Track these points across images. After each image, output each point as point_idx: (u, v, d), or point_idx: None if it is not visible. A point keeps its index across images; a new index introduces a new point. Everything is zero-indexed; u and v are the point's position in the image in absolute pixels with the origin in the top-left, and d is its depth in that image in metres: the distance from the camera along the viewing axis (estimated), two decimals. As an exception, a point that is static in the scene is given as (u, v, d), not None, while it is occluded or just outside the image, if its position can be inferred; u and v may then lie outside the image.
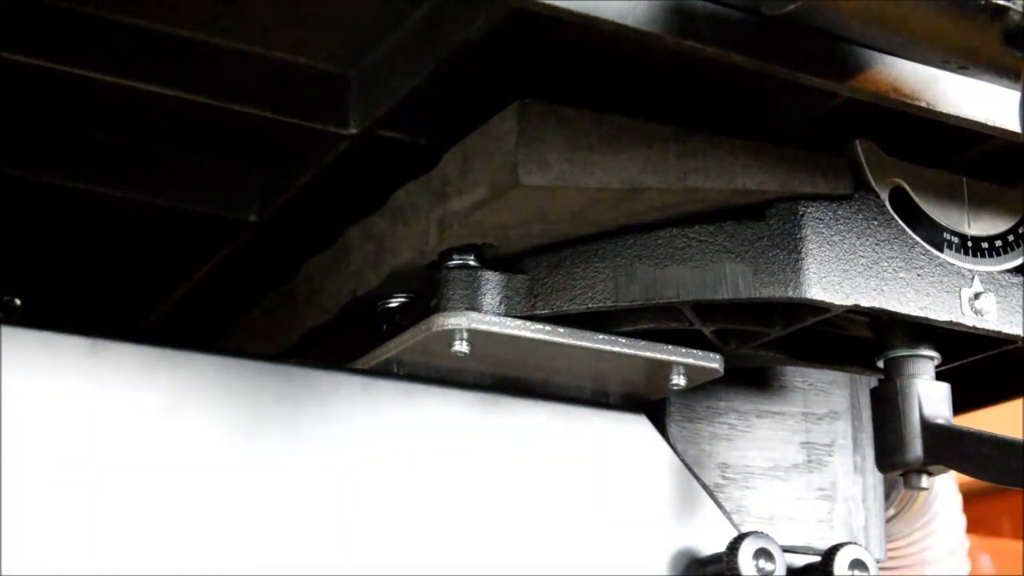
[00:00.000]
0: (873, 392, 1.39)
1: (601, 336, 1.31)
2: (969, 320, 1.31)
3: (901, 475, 1.36)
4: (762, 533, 1.36)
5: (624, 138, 1.19)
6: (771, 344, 1.38)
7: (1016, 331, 1.33)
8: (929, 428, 1.33)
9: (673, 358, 1.34)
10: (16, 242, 1.50)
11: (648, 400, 1.42)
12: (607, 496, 1.37)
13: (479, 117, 1.21)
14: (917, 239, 1.30)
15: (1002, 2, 1.08)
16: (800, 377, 1.49)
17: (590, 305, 1.27)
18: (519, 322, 1.27)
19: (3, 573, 1.12)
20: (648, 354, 1.33)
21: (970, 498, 1.89)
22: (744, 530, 1.39)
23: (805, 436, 1.48)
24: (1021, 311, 1.33)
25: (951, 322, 1.30)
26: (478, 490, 1.32)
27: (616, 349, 1.31)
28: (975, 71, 1.18)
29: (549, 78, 1.21)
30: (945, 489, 1.79)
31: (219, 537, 1.20)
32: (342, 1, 1.19)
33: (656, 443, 1.41)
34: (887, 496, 1.65)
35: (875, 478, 1.51)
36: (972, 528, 1.87)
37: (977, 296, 1.31)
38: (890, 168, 1.31)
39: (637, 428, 1.40)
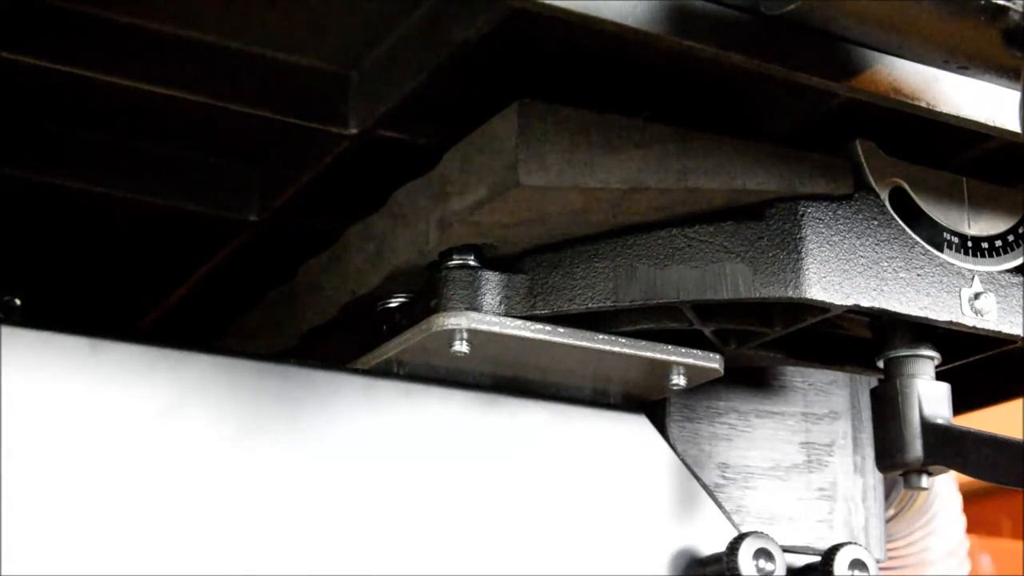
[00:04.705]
0: (873, 392, 1.39)
1: (601, 336, 1.31)
2: (969, 320, 1.31)
3: (901, 475, 1.36)
4: (762, 533, 1.36)
5: (624, 138, 1.19)
6: (771, 344, 1.38)
7: (1016, 331, 1.33)
8: (929, 428, 1.33)
9: (673, 358, 1.34)
10: (16, 242, 1.50)
11: (648, 400, 1.42)
12: (607, 496, 1.37)
13: (479, 117, 1.21)
14: (917, 239, 1.30)
15: (1002, 2, 1.08)
16: (800, 377, 1.49)
17: (590, 305, 1.27)
18: (519, 322, 1.27)
19: (3, 573, 1.12)
20: (648, 354, 1.33)
21: (970, 498, 1.89)
22: (744, 530, 1.39)
23: (805, 436, 1.48)
24: (1021, 311, 1.33)
25: (951, 322, 1.30)
26: (478, 490, 1.32)
27: (616, 349, 1.31)
28: (975, 71, 1.18)
29: (549, 78, 1.21)
30: (945, 489, 1.79)
31: (219, 537, 1.20)
32: (342, 1, 1.19)
33: (656, 443, 1.41)
34: (887, 496, 1.65)
35: (875, 478, 1.51)
36: (972, 528, 1.87)
37: (977, 296, 1.31)
38: (890, 168, 1.31)
39: (637, 428, 1.40)
